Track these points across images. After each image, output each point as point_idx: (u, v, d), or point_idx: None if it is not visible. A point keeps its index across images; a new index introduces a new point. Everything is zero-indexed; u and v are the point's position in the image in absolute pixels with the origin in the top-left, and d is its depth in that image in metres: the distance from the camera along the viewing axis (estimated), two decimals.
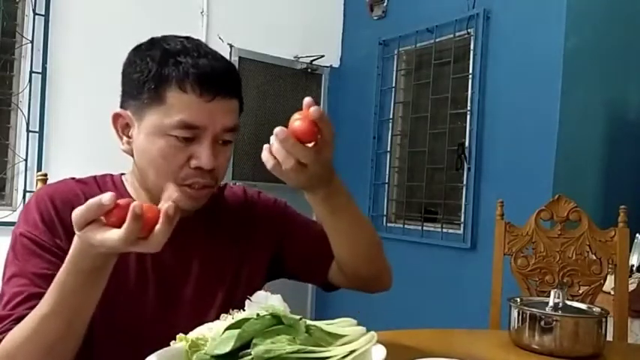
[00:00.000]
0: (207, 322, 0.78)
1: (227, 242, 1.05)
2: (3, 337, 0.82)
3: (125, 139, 0.96)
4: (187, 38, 0.95)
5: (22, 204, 3.03)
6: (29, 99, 3.05)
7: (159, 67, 0.89)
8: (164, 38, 0.94)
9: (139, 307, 0.95)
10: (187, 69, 0.88)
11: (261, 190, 1.17)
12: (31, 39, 3.06)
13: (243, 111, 1.00)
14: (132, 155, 0.96)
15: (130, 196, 1.00)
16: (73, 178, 1.02)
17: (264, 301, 0.82)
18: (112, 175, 1.04)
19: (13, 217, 3.01)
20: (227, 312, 0.78)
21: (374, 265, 1.08)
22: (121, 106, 0.95)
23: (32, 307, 0.81)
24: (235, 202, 1.11)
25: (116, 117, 0.96)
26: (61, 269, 0.78)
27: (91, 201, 0.71)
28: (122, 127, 0.96)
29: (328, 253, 1.04)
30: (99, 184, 1.01)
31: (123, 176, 1.04)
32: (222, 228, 1.06)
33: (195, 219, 1.01)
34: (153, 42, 0.94)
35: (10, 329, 0.82)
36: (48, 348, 0.79)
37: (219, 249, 1.04)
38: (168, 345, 0.76)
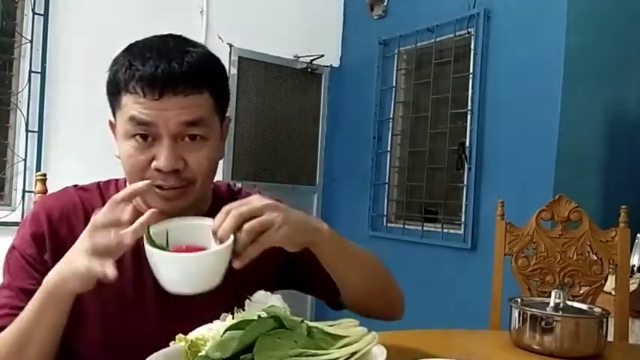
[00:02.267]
0: None
1: None
2: None
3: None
4: (164, 36, 0.94)
5: (21, 204, 3.03)
6: (28, 99, 3.05)
7: (115, 74, 0.91)
8: (142, 41, 0.94)
9: (137, 320, 0.94)
10: (133, 72, 0.88)
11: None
12: (30, 38, 3.05)
13: (227, 103, 0.97)
14: None
15: (132, 202, 0.98)
16: (76, 186, 1.02)
17: (264, 301, 0.81)
18: (116, 180, 1.03)
19: (13, 217, 3.00)
20: None
21: (385, 299, 1.08)
22: None
23: (12, 320, 0.87)
24: None
25: (110, 124, 0.98)
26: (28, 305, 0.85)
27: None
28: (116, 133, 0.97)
29: None
30: (101, 190, 1.01)
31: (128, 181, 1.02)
32: None
33: None
34: (128, 47, 0.94)
35: None
36: None
37: None
38: None
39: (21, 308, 0.88)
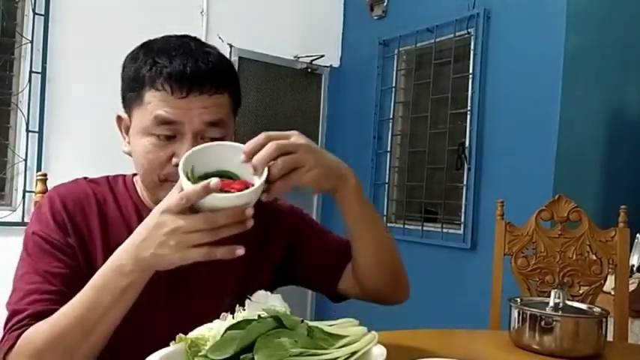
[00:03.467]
0: None
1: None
2: (22, 331, 0.84)
3: (126, 140, 0.97)
4: (182, 37, 0.95)
5: (21, 204, 3.03)
6: (29, 99, 3.05)
7: (138, 69, 0.91)
8: (159, 39, 0.95)
9: (146, 311, 0.94)
10: (160, 69, 0.89)
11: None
12: (30, 39, 3.06)
13: (240, 105, 1.01)
14: (131, 156, 0.97)
15: (139, 197, 1.01)
16: (86, 178, 1.02)
17: (265, 301, 0.81)
18: (124, 176, 1.04)
19: (13, 217, 3.01)
20: None
21: (395, 275, 1.08)
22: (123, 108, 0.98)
23: (46, 304, 0.85)
24: None
25: (118, 119, 0.98)
26: (89, 287, 0.83)
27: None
28: (125, 128, 0.97)
29: (339, 264, 1.06)
30: (110, 184, 1.02)
31: (135, 177, 1.03)
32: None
33: None
34: (144, 44, 0.95)
35: (29, 324, 0.84)
36: (71, 351, 0.83)
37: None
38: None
39: (53, 292, 0.87)
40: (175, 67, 0.88)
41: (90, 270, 0.90)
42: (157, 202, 0.95)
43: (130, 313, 0.88)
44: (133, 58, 0.94)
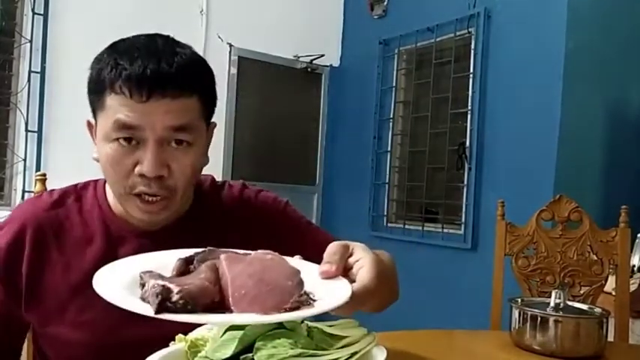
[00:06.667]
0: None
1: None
2: None
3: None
4: (151, 35, 0.90)
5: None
6: (28, 99, 3.05)
7: (99, 72, 0.86)
8: (127, 39, 0.90)
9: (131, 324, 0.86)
10: (120, 71, 0.83)
11: (262, 189, 1.09)
12: (30, 38, 3.05)
13: (214, 109, 0.93)
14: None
15: (108, 205, 0.96)
16: (52, 191, 0.99)
17: None
18: (95, 182, 1.00)
19: None
20: None
21: (394, 295, 1.03)
22: None
23: None
24: (231, 205, 1.03)
25: (88, 125, 0.95)
26: None
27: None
28: (95, 134, 0.92)
29: None
30: (79, 193, 0.98)
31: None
32: (212, 236, 0.95)
33: (179, 226, 0.96)
34: (112, 44, 0.89)
35: None
36: None
37: None
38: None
39: None
40: (135, 69, 0.82)
41: (42, 290, 0.91)
42: (127, 214, 0.92)
43: (93, 325, 0.89)
44: (97, 59, 0.88)
